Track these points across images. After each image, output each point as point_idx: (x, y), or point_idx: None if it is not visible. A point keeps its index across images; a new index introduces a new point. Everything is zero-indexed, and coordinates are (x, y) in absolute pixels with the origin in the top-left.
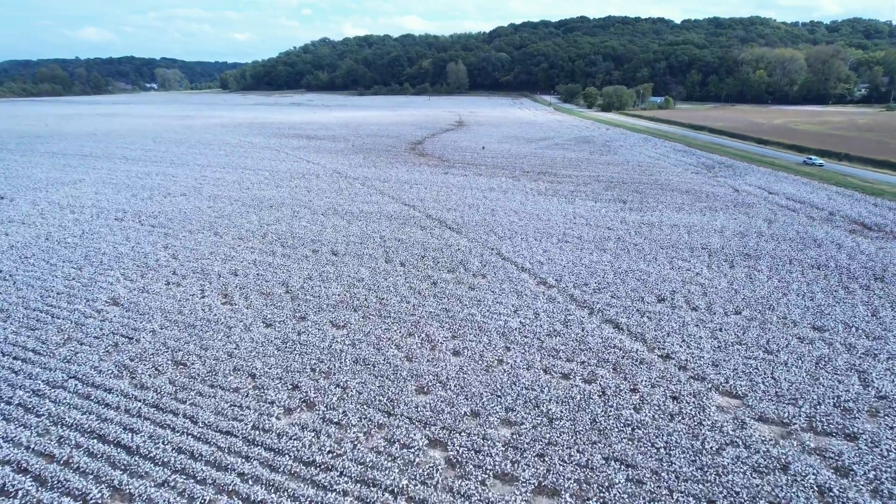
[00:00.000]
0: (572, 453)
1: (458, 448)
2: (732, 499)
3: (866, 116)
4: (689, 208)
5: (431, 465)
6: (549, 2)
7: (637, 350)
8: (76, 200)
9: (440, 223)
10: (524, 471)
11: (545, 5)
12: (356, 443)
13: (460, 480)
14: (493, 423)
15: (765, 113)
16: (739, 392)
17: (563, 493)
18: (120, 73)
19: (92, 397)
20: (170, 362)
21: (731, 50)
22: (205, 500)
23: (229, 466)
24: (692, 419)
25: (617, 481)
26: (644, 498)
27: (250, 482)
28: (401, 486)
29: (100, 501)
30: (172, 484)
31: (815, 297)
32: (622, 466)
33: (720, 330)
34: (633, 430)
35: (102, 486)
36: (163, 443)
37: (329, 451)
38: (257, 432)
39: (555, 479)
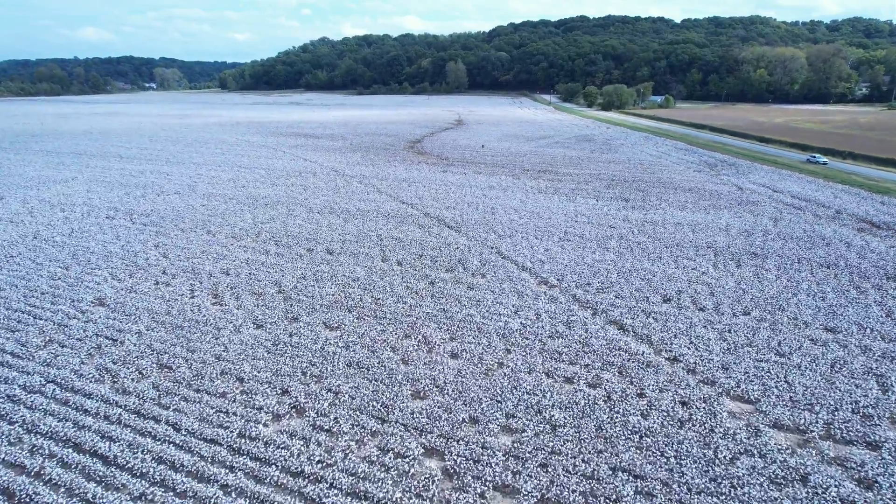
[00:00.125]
0: (577, 463)
1: (455, 457)
2: None
3: (868, 115)
4: (692, 206)
5: (427, 476)
6: (549, 1)
7: (643, 352)
8: (67, 199)
9: (438, 221)
10: (526, 482)
11: (545, 5)
12: (347, 452)
13: (458, 493)
14: (492, 431)
15: (766, 112)
16: (752, 397)
17: None
18: (119, 73)
19: (70, 403)
20: (154, 365)
21: (731, 49)
22: None
23: (212, 478)
24: (703, 426)
25: (625, 494)
26: None
27: (234, 495)
28: (394, 499)
29: None
30: (150, 497)
31: (827, 297)
32: (630, 477)
33: (729, 331)
34: (640, 437)
35: (74, 499)
36: (142, 452)
37: (319, 461)
38: (243, 440)
39: (559, 492)
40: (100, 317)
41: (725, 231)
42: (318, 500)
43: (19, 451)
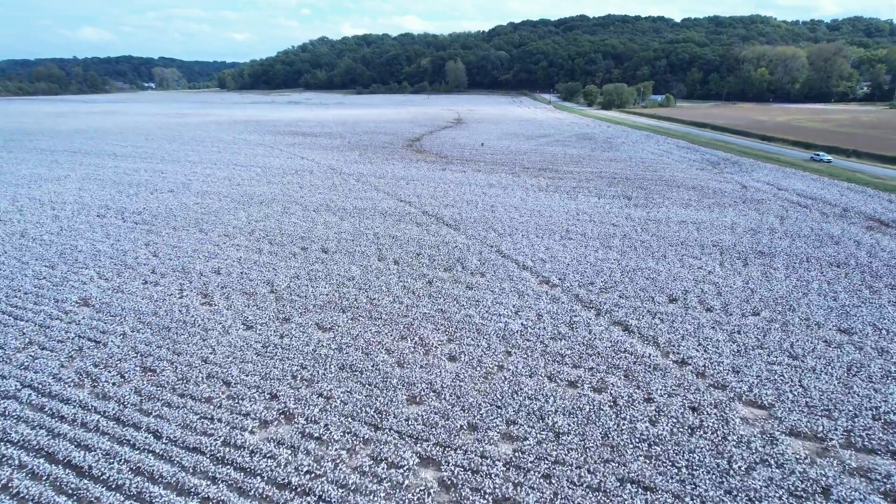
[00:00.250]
0: (582, 474)
1: (452, 468)
2: None
3: (870, 114)
4: (696, 204)
5: (423, 488)
6: (548, 1)
7: (650, 355)
8: (58, 197)
9: (437, 220)
10: (528, 495)
11: (544, 5)
12: (338, 462)
13: None
14: (492, 439)
15: (767, 111)
16: (765, 402)
17: None
18: (118, 73)
19: (46, 409)
20: (138, 369)
21: (732, 48)
22: None
23: (192, 490)
24: (715, 433)
25: None
26: None
27: None
28: None
29: None
30: None
31: (839, 296)
32: (640, 490)
33: (738, 332)
34: (649, 446)
35: None
36: (119, 462)
37: (307, 472)
38: (228, 449)
39: None
40: (83, 318)
41: (731, 229)
42: None
43: None
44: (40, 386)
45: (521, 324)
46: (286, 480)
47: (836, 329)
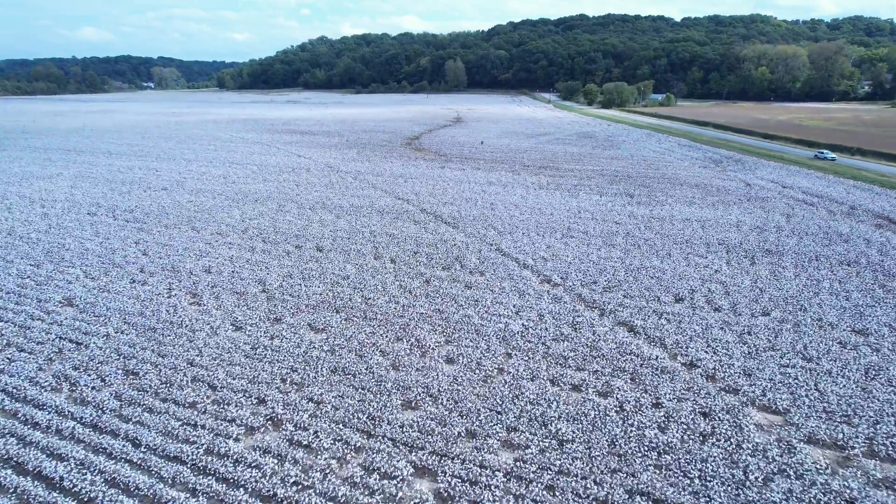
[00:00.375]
0: (588, 485)
1: (449, 478)
2: None
3: (872, 113)
4: (700, 202)
5: (417, 500)
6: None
7: (657, 357)
8: (49, 194)
9: (435, 217)
10: None
11: (543, 5)
12: (327, 472)
13: None
14: (492, 447)
15: (768, 109)
16: (780, 407)
17: None
18: (116, 73)
19: (19, 415)
20: (119, 372)
21: (732, 47)
22: None
23: (170, 503)
24: (729, 441)
25: None
26: None
27: None
28: None
29: None
30: None
31: (851, 296)
32: (650, 503)
33: (749, 333)
34: (659, 454)
35: None
36: (92, 473)
37: (294, 483)
38: (210, 458)
39: None
40: (66, 318)
41: (736, 227)
42: None
43: None
44: (14, 390)
45: (522, 324)
46: (271, 492)
47: (851, 330)
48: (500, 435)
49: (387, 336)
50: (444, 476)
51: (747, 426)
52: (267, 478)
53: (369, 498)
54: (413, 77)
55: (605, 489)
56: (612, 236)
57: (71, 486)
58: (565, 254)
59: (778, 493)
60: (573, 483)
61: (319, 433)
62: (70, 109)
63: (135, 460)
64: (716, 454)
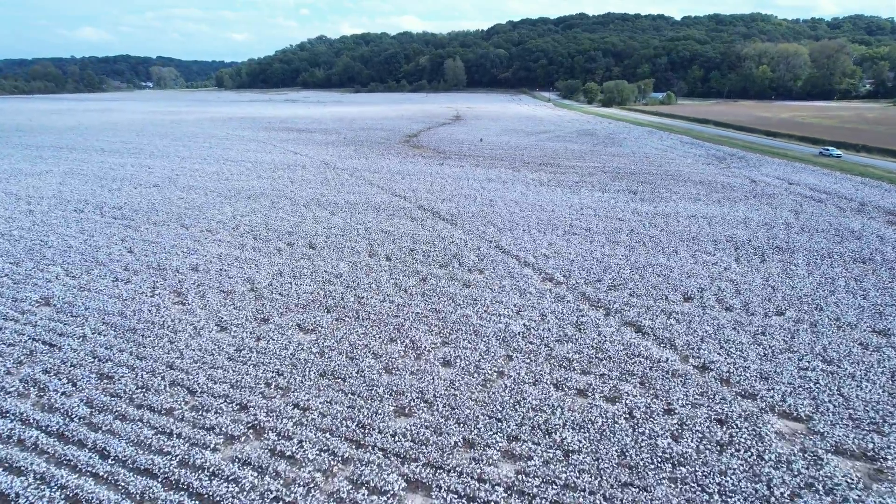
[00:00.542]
0: (597, 501)
1: (445, 493)
2: None
3: (874, 111)
4: (705, 199)
5: None
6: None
7: (667, 359)
8: (36, 191)
9: (433, 214)
10: None
11: (543, 5)
12: (311, 486)
13: None
14: (491, 458)
15: (769, 108)
16: (802, 414)
17: None
18: (115, 72)
19: None
20: (93, 376)
21: (733, 45)
22: None
23: None
24: (749, 452)
25: None
26: None
27: None
28: None
29: None
30: None
31: (869, 295)
32: None
33: (763, 334)
34: (673, 467)
35: None
36: (52, 489)
37: (274, 499)
38: (184, 471)
39: None
40: (41, 318)
41: (744, 224)
42: None
43: None
44: None
45: (524, 325)
46: None
47: (871, 330)
48: (501, 445)
49: (380, 337)
50: (439, 491)
51: (768, 435)
52: (245, 493)
53: None
54: (412, 76)
55: None
56: (615, 233)
57: None
58: (568, 251)
59: None
60: (580, 499)
61: (304, 443)
62: (66, 108)
63: (101, 474)
64: (735, 466)
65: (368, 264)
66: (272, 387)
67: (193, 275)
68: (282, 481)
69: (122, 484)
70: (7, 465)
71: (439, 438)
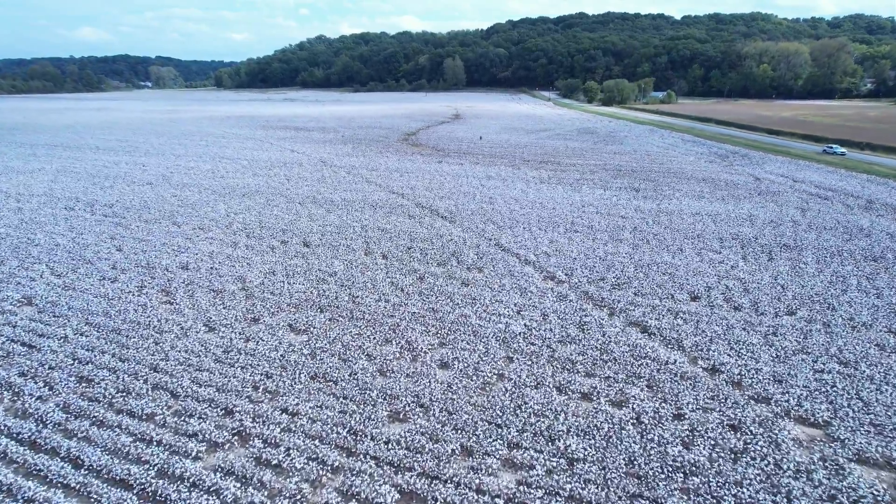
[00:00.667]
0: None
1: None
2: None
3: (877, 110)
4: (709, 196)
5: None
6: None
7: (675, 361)
8: (27, 189)
9: (431, 212)
10: None
11: (543, 4)
12: (297, 498)
13: None
14: (491, 467)
15: (770, 107)
16: (820, 419)
17: None
18: (114, 72)
19: None
20: (71, 379)
21: (733, 44)
22: None
23: None
24: (765, 460)
25: None
26: None
27: None
28: None
29: None
30: None
31: (883, 294)
32: None
33: (774, 334)
34: (685, 476)
35: None
36: (17, 503)
37: None
38: (162, 482)
39: None
40: (22, 318)
41: (749, 221)
42: None
43: None
44: None
45: (525, 325)
46: None
47: (888, 331)
48: (501, 453)
49: (374, 338)
50: (435, 503)
51: (785, 442)
52: None
53: None
54: (412, 75)
55: None
56: (618, 231)
57: None
58: (569, 249)
59: None
60: None
61: (292, 450)
62: (64, 107)
63: (72, 485)
64: (752, 476)
65: (364, 262)
66: (260, 390)
67: (183, 273)
68: (266, 493)
69: (95, 496)
70: None
71: (435, 446)
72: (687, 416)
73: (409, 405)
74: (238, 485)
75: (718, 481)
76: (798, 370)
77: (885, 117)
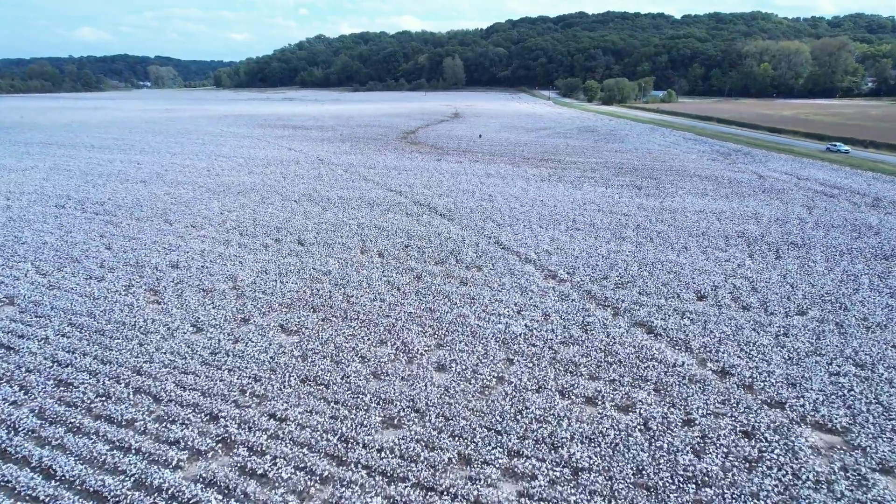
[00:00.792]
0: None
1: None
2: None
3: (878, 109)
4: (713, 194)
5: None
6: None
7: (683, 363)
8: (18, 187)
9: (429, 209)
10: None
11: (542, 5)
12: None
13: None
14: (490, 477)
15: (771, 106)
16: (838, 425)
17: None
18: (113, 72)
19: None
20: (49, 382)
21: (734, 43)
22: None
23: None
24: (782, 470)
25: None
26: None
27: None
28: None
29: None
30: None
31: None
32: None
33: (786, 335)
34: (698, 487)
35: None
36: None
37: None
38: (138, 494)
39: None
40: (1, 319)
41: (755, 219)
42: None
43: None
44: None
45: (525, 325)
46: None
47: None
48: (501, 461)
49: (369, 339)
50: None
51: (802, 450)
52: None
53: None
54: (411, 75)
55: None
56: (621, 228)
57: None
58: (571, 247)
59: None
60: None
61: (278, 459)
62: (61, 106)
63: (42, 497)
64: (769, 487)
65: (359, 261)
66: (247, 394)
67: (173, 272)
68: None
69: None
70: None
71: (431, 454)
72: (697, 422)
73: (403, 410)
74: (220, 496)
75: (733, 493)
76: (812, 373)
77: (887, 116)
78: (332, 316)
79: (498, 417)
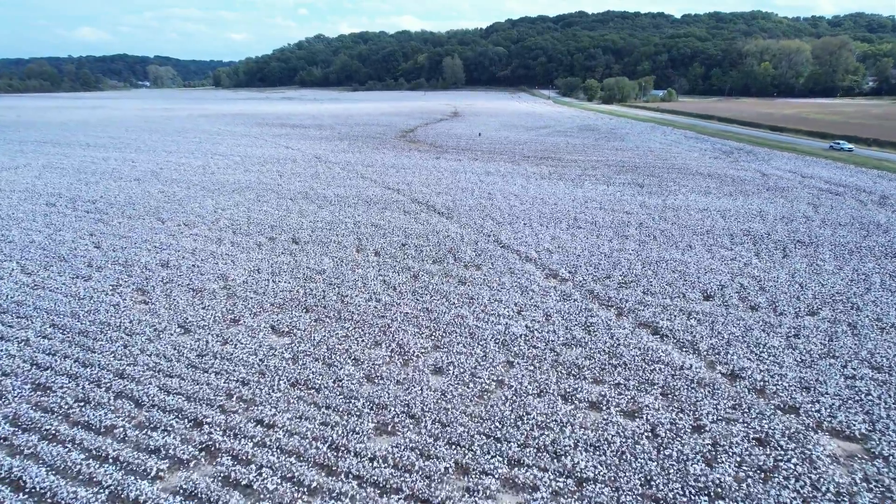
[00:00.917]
0: None
1: None
2: None
3: (879, 108)
4: (716, 192)
5: None
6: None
7: (691, 366)
8: (8, 185)
9: (427, 207)
10: None
11: (542, 4)
12: None
13: None
14: (489, 488)
15: (772, 105)
16: (857, 432)
17: None
18: (112, 71)
19: None
20: (26, 386)
21: (734, 42)
22: None
23: None
24: (800, 481)
25: None
26: None
27: None
28: None
29: None
30: None
31: None
32: None
33: (797, 336)
34: (710, 500)
35: None
36: None
37: None
38: None
39: None
40: None
41: (760, 217)
42: None
43: None
44: None
45: (526, 326)
46: None
47: None
48: (501, 471)
49: (363, 340)
50: None
51: (820, 458)
52: None
53: None
54: (411, 74)
55: None
56: (623, 227)
57: None
58: (573, 246)
59: None
60: None
61: (264, 469)
62: (59, 105)
63: None
64: (786, 499)
65: (355, 260)
66: (234, 399)
67: (162, 271)
68: None
69: None
70: None
71: (427, 463)
72: (708, 429)
73: (398, 416)
74: None
75: None
76: (827, 376)
77: (889, 114)
78: (326, 316)
79: (497, 424)
